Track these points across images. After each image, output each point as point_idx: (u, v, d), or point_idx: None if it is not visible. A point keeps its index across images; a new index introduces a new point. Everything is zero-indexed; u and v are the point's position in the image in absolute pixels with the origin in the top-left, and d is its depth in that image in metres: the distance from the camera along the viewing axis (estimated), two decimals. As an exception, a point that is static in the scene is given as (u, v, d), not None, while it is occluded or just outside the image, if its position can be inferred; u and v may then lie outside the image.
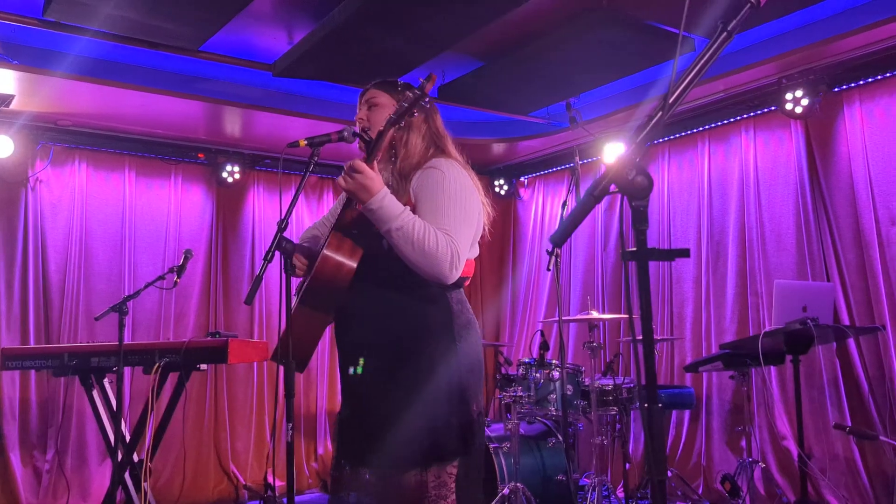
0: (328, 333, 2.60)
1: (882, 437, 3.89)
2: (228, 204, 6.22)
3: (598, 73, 4.86)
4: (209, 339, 4.17)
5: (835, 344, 4.65)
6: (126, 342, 4.05)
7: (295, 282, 2.51)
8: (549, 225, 6.75)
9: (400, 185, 2.32)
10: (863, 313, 4.63)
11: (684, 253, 1.36)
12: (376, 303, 2.30)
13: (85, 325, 5.44)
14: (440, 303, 2.29)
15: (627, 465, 4.90)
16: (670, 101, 1.38)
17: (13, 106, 4.92)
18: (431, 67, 4.73)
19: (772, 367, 4.89)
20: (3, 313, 5.21)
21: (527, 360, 4.70)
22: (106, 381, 4.44)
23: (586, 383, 4.59)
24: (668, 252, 1.34)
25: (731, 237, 5.34)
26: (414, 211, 2.24)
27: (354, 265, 2.27)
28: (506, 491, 4.34)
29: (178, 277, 4.27)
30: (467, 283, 2.42)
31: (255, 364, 6.04)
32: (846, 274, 4.73)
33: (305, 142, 2.47)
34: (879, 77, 4.61)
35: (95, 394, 4.41)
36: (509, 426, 4.49)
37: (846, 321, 4.65)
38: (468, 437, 2.23)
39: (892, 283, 4.50)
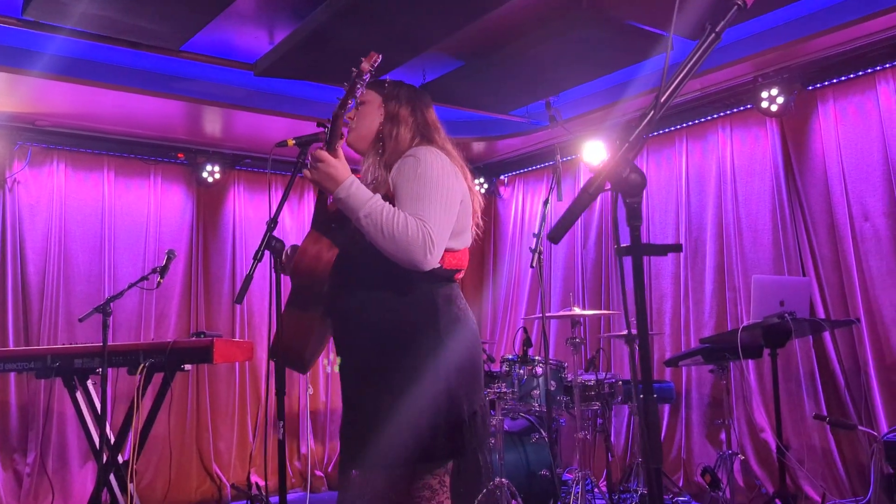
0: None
1: (860, 427, 3.97)
2: (209, 204, 6.19)
3: (577, 71, 4.90)
4: (194, 339, 4.17)
5: (811, 337, 4.74)
6: (109, 343, 4.03)
7: (286, 283, 2.51)
8: (529, 223, 6.81)
9: (386, 177, 2.29)
10: (838, 307, 4.73)
11: (677, 248, 1.40)
12: (359, 301, 2.25)
13: (65, 327, 5.40)
14: (423, 299, 2.22)
15: (610, 459, 4.96)
16: (662, 99, 1.41)
17: (-10, 106, 4.88)
18: (413, 67, 4.75)
19: (750, 361, 4.97)
20: (-18, 316, 5.16)
21: (510, 357, 4.74)
22: (89, 383, 4.42)
23: (569, 379, 4.64)
24: (662, 247, 1.38)
25: (709, 233, 5.42)
26: (394, 200, 2.20)
27: (332, 257, 2.23)
28: (490, 486, 4.37)
29: (162, 278, 4.26)
30: (459, 275, 2.34)
31: (237, 364, 6.03)
32: (821, 268, 4.82)
33: (294, 141, 2.48)
34: (852, 75, 4.71)
35: (79, 395, 4.39)
36: (493, 422, 4.52)
37: (822, 315, 4.74)
38: (457, 439, 2.16)
39: (865, 277, 4.60)
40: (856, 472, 4.54)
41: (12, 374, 5.13)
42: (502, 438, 4.40)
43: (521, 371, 4.63)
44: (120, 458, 4.29)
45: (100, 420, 4.15)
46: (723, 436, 4.75)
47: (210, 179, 6.04)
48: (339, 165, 2.17)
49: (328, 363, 6.20)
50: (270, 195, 6.20)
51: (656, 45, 4.40)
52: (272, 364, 2.44)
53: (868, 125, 4.65)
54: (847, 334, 4.67)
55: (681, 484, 5.24)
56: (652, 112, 1.42)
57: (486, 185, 7.06)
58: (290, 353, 2.39)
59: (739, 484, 4.90)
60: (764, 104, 4.88)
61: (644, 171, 5.32)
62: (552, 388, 4.51)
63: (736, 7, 1.46)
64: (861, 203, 4.65)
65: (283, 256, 2.51)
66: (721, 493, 4.47)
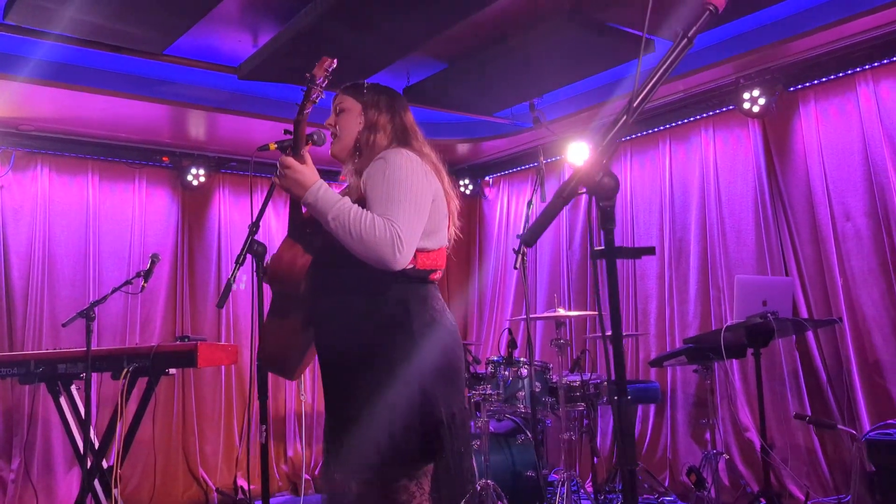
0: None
1: (840, 426, 4.00)
2: (194, 207, 6.18)
3: (561, 73, 4.93)
4: (178, 343, 4.16)
5: (794, 337, 4.77)
6: (93, 348, 4.02)
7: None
8: (514, 224, 6.82)
9: (357, 183, 2.29)
10: (820, 306, 4.77)
11: (650, 251, 1.41)
12: (333, 305, 2.26)
13: (49, 332, 5.37)
14: (395, 301, 2.20)
15: (595, 460, 4.98)
16: (634, 104, 1.43)
17: (-27, 111, 4.86)
18: (397, 69, 4.76)
19: (734, 361, 5.00)
20: (-35, 321, 5.13)
21: (495, 359, 4.75)
22: (73, 388, 4.40)
23: (554, 380, 4.65)
24: (635, 250, 1.40)
25: (692, 234, 5.45)
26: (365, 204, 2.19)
27: (307, 262, 2.23)
28: (476, 488, 4.38)
29: (146, 282, 4.24)
30: (436, 275, 2.31)
31: (222, 368, 6.01)
32: (804, 268, 4.86)
33: (276, 145, 2.48)
34: (833, 77, 4.75)
35: (63, 401, 4.37)
36: (479, 424, 4.53)
37: (804, 314, 4.78)
38: (434, 441, 2.14)
39: (847, 277, 4.64)
40: (839, 471, 4.57)
41: (-5, 380, 5.11)
42: (488, 440, 4.41)
43: (507, 372, 4.64)
44: (105, 464, 4.28)
45: (84, 425, 4.14)
46: (708, 435, 4.77)
47: (195, 183, 6.02)
48: (305, 171, 2.19)
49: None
50: (253, 199, 6.20)
51: (640, 48, 4.42)
52: (255, 368, 2.44)
53: (849, 126, 4.69)
54: (830, 333, 4.71)
55: (667, 483, 5.26)
56: (625, 117, 1.43)
57: (471, 187, 7.08)
58: (274, 361, 2.39)
59: (724, 483, 4.93)
60: (746, 105, 4.92)
61: (628, 172, 5.36)
62: (537, 390, 4.52)
63: (707, 12, 1.48)
64: (843, 203, 4.69)
65: (265, 262, 2.51)
66: (706, 493, 4.50)
